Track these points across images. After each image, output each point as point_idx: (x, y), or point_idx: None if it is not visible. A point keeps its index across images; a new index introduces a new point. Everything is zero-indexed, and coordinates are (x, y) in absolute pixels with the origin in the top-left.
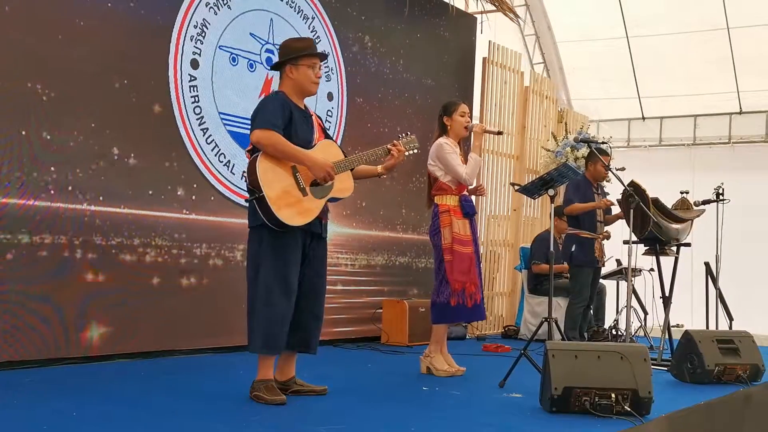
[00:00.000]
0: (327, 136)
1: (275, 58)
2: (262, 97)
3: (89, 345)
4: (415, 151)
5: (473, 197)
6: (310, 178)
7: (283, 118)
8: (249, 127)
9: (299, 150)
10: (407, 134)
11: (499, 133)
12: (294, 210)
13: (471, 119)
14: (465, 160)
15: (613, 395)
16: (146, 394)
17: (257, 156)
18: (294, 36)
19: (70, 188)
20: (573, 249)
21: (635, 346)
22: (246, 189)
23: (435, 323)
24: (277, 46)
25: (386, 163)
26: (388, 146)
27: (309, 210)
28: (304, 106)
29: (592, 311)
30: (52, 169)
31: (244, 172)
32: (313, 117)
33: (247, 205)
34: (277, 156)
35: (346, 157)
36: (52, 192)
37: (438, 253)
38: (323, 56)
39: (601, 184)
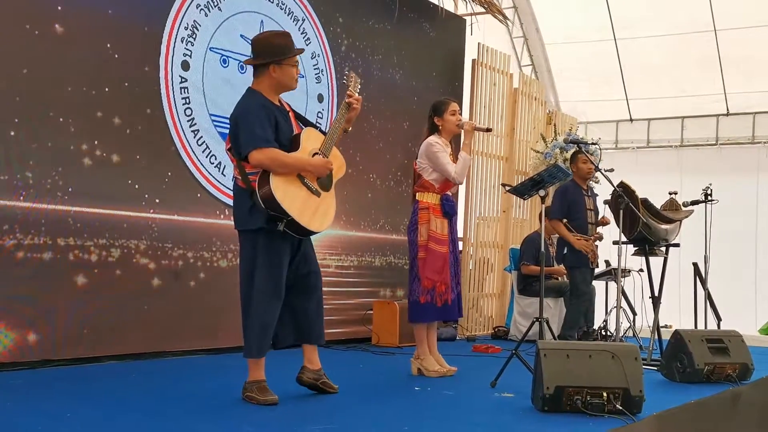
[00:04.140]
0: (301, 120)
1: None
2: (240, 99)
3: (80, 347)
4: (360, 82)
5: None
6: (314, 177)
7: (271, 127)
8: None
9: (299, 159)
10: (347, 74)
11: (488, 130)
12: (318, 216)
13: (461, 116)
14: (455, 159)
15: (604, 394)
16: (138, 396)
17: (269, 186)
18: None
19: (61, 189)
20: (565, 251)
21: (626, 345)
22: (267, 217)
23: (410, 322)
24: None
25: (348, 116)
26: (346, 101)
27: (329, 206)
28: (279, 100)
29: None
30: (43, 170)
31: (235, 176)
32: (287, 109)
33: (282, 228)
34: (281, 171)
35: (324, 134)
36: (43, 193)
37: (413, 250)
38: (302, 51)
39: (591, 185)
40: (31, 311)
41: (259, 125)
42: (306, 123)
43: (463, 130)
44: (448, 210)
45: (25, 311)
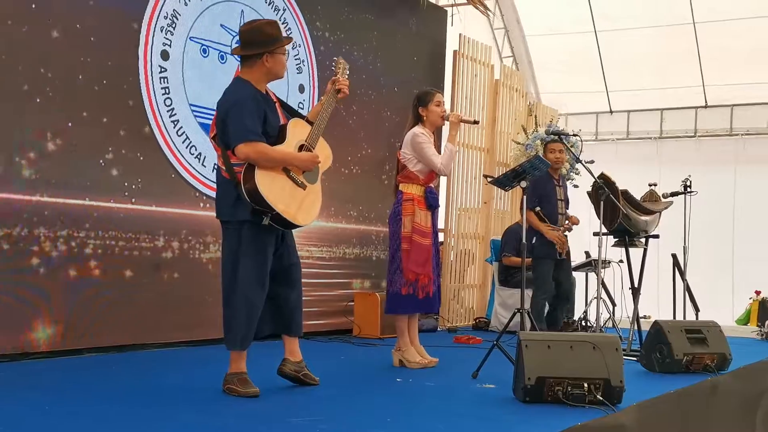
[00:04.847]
0: (286, 110)
1: None
2: (229, 88)
3: (61, 339)
4: (347, 68)
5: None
6: (300, 170)
7: (260, 120)
8: None
9: (286, 154)
10: (335, 60)
11: (476, 122)
12: (303, 209)
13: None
14: (438, 150)
15: (585, 385)
16: (119, 388)
17: (254, 180)
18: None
19: (36, 180)
20: (534, 241)
21: (607, 336)
22: (252, 210)
23: (387, 313)
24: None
25: (337, 97)
26: (336, 87)
27: (315, 199)
28: (266, 90)
29: (569, 303)
30: (17, 160)
31: (217, 164)
32: (274, 99)
33: (267, 222)
34: (267, 165)
35: (311, 124)
36: (18, 183)
37: (395, 241)
38: (292, 40)
39: (564, 175)
40: (8, 304)
41: (249, 117)
42: (291, 112)
43: (448, 122)
44: (432, 202)
45: (5, 303)
